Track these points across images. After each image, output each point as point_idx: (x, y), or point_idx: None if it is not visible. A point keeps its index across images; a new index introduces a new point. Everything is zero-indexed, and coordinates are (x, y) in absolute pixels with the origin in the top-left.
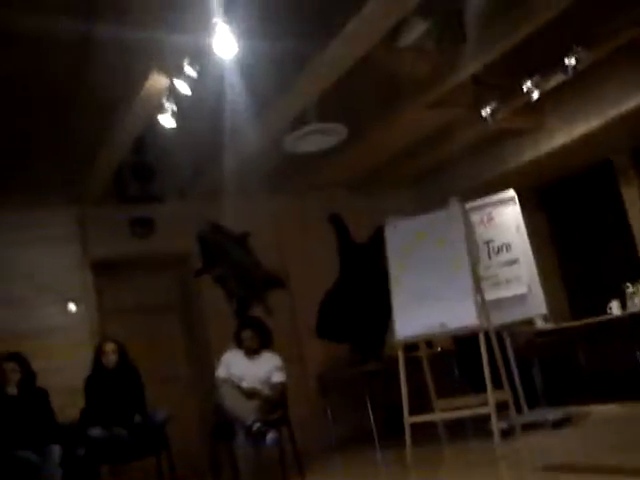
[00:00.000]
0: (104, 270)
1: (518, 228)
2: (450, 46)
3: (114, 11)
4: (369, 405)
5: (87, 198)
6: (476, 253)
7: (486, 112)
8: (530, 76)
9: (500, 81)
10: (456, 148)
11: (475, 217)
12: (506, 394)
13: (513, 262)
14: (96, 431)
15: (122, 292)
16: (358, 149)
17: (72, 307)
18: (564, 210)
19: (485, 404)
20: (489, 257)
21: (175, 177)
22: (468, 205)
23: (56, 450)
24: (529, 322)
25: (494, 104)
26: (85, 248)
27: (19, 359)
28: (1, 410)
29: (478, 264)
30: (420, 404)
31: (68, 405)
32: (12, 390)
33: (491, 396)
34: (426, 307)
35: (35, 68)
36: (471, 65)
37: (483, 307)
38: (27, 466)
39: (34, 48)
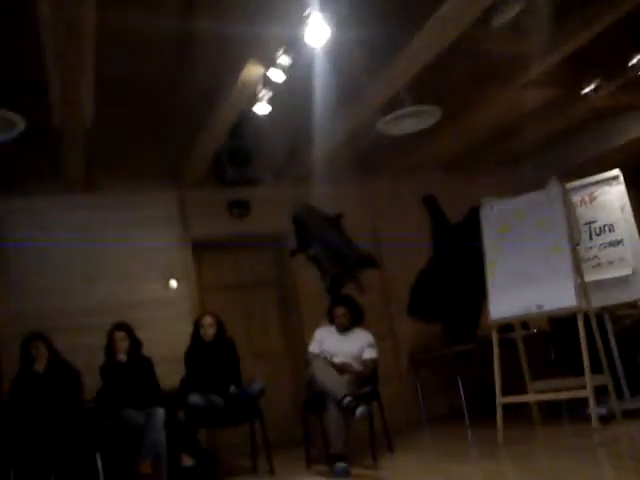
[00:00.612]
0: (204, 249)
1: (623, 208)
2: (548, 24)
3: (211, 8)
4: (460, 384)
5: (187, 182)
6: (577, 234)
7: (588, 89)
8: (637, 51)
9: (602, 57)
10: (554, 129)
11: (576, 197)
12: (606, 378)
13: (617, 243)
14: (195, 398)
15: (221, 270)
16: (453, 130)
17: (174, 283)
18: None
19: (583, 388)
20: (590, 238)
21: (270, 161)
22: (569, 185)
23: (160, 413)
24: (634, 306)
25: (597, 81)
26: (186, 229)
27: (127, 329)
28: (112, 375)
29: (578, 245)
30: (513, 386)
31: (170, 373)
32: (122, 357)
33: (589, 379)
34: (522, 288)
35: (139, 65)
36: (571, 42)
37: (582, 288)
38: (135, 425)
39: (136, 48)
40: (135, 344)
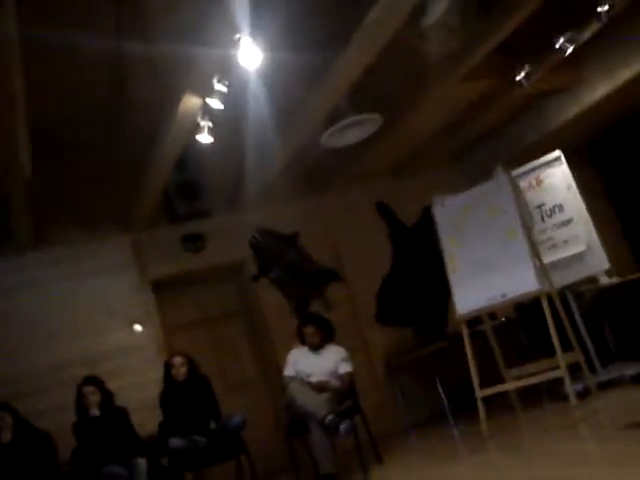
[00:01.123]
0: (164, 288)
1: (569, 187)
2: (474, 18)
3: (143, 32)
4: (439, 384)
5: (139, 222)
6: (529, 219)
7: (520, 76)
8: (562, 32)
9: (530, 43)
10: (495, 118)
11: (523, 183)
12: (577, 355)
13: (568, 222)
14: (176, 441)
15: (184, 307)
16: (396, 134)
17: (138, 328)
18: (616, 162)
19: (557, 368)
20: (542, 220)
21: (219, 190)
22: (515, 172)
23: (142, 463)
24: (593, 280)
25: (527, 67)
26: (143, 271)
27: (96, 382)
28: (87, 430)
29: (532, 229)
30: (491, 376)
31: (146, 420)
32: (94, 412)
33: (561, 358)
34: (484, 279)
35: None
36: (498, 33)
37: (543, 271)
38: (116, 479)
39: (70, 91)
40: (107, 396)
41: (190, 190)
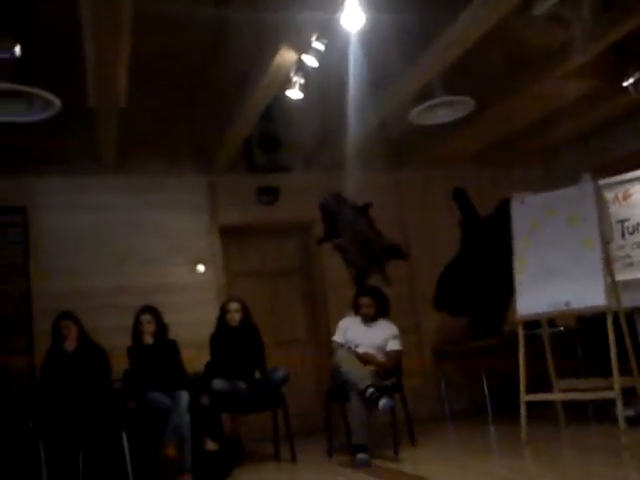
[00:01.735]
0: (231, 235)
1: None
2: (589, 13)
3: None
4: (484, 380)
5: (218, 167)
6: (609, 232)
7: (628, 82)
8: None
9: None
10: (591, 122)
11: (609, 194)
12: (635, 380)
13: None
14: (220, 383)
15: (247, 256)
16: (485, 121)
17: (201, 268)
18: None
19: (610, 388)
20: (623, 237)
21: (301, 148)
22: (602, 182)
23: (185, 396)
24: None
25: (638, 74)
26: (214, 214)
27: (154, 312)
28: (139, 357)
29: (610, 243)
30: (538, 383)
31: (194, 358)
32: (148, 340)
33: (617, 380)
34: (551, 285)
35: (173, 48)
36: (613, 32)
37: (613, 287)
38: (160, 407)
39: (173, 30)
40: (161, 327)
41: (272, 143)
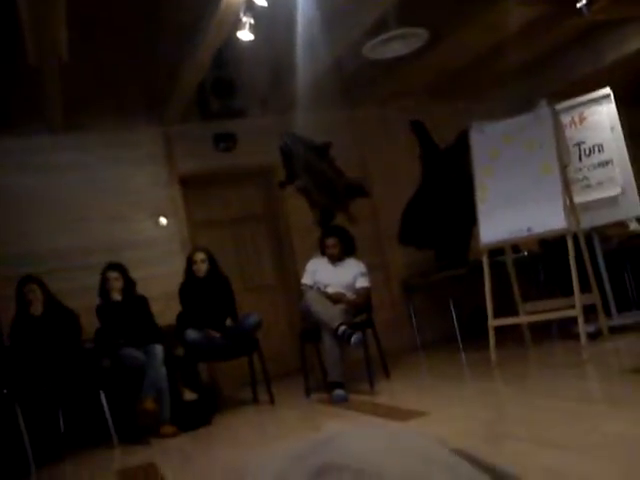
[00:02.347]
0: (191, 185)
1: (613, 128)
2: None
3: None
4: (453, 309)
5: (172, 117)
6: (566, 155)
7: (582, 3)
8: None
9: None
10: (544, 47)
11: (565, 118)
12: (594, 297)
13: (606, 163)
14: (192, 333)
15: (210, 205)
16: (439, 53)
17: (163, 221)
18: None
19: (572, 307)
20: (580, 159)
21: (255, 91)
22: (558, 106)
23: (159, 349)
24: (622, 225)
25: None
26: (172, 165)
27: (120, 268)
28: (108, 314)
29: (567, 167)
30: (505, 308)
31: (165, 310)
32: (116, 297)
33: (578, 299)
34: (512, 211)
35: None
36: None
37: (572, 210)
38: (135, 363)
39: None
40: (129, 283)
41: (225, 88)
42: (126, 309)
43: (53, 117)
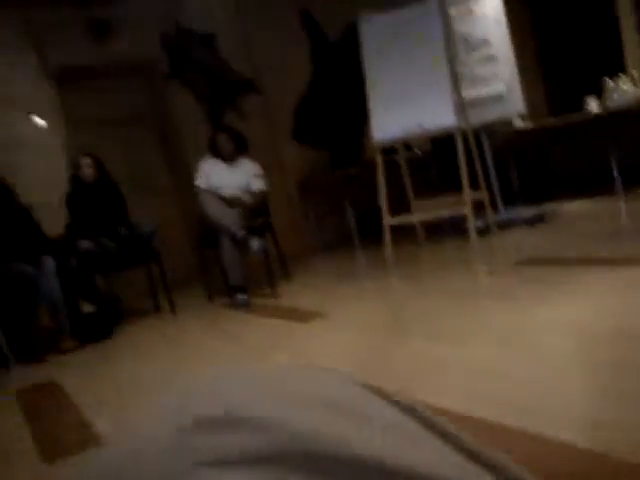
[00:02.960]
0: (67, 80)
1: (498, 22)
2: None
3: None
4: (349, 209)
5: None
6: (454, 50)
7: None
8: None
9: None
10: None
11: (453, 10)
12: (483, 194)
13: (491, 59)
14: (85, 244)
15: (89, 104)
16: None
17: (39, 121)
18: (547, 2)
19: (462, 204)
20: (467, 53)
21: None
22: None
23: (50, 261)
24: (507, 122)
25: None
26: (41, 57)
27: None
28: None
29: (455, 61)
30: (399, 207)
31: (52, 220)
32: None
33: (467, 196)
34: (403, 109)
35: None
36: None
37: (461, 107)
38: (25, 277)
39: None
40: (7, 193)
41: None
42: (8, 221)
43: None
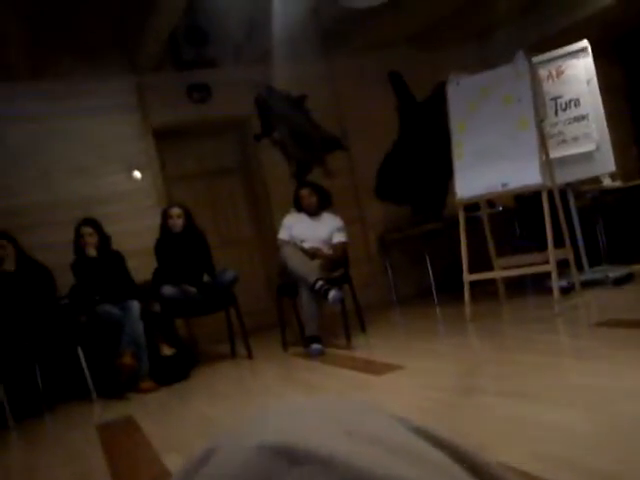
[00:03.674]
0: (165, 137)
1: (589, 82)
2: None
3: None
4: (429, 264)
5: (143, 65)
6: (543, 110)
7: None
8: None
9: None
10: None
11: (543, 71)
12: (567, 252)
13: (582, 118)
14: (168, 289)
15: (184, 158)
16: (419, 2)
17: (137, 174)
18: None
19: (546, 262)
20: (556, 114)
21: (229, 40)
22: (536, 59)
23: (135, 305)
24: (596, 181)
25: None
26: (145, 116)
27: (94, 223)
28: (84, 270)
29: (544, 121)
30: (480, 264)
31: (141, 266)
32: (92, 252)
33: (552, 254)
34: (488, 166)
35: None
36: None
37: (547, 166)
38: (112, 319)
39: None
40: (104, 239)
41: (198, 36)
42: (102, 265)
43: (15, 62)
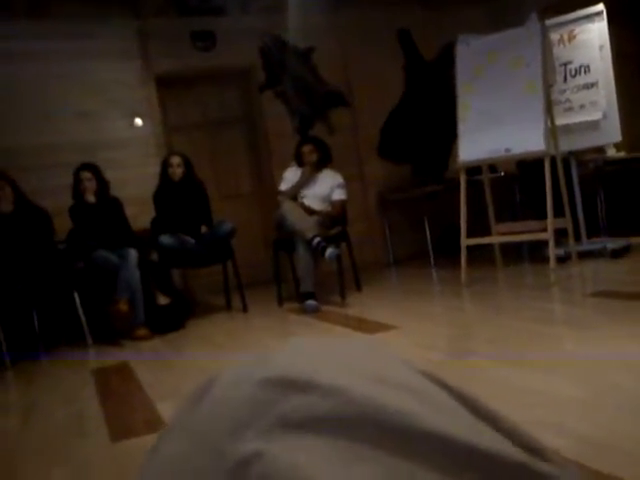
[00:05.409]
0: (168, 85)
1: (602, 48)
2: None
3: None
4: (427, 225)
5: (147, 10)
6: (552, 75)
7: None
8: None
9: None
10: None
11: (554, 35)
12: (566, 221)
13: (591, 86)
14: (167, 239)
15: (186, 107)
16: None
17: (139, 122)
18: None
19: (544, 230)
20: (565, 80)
21: None
22: (548, 22)
23: (133, 253)
24: (600, 150)
25: None
26: (147, 62)
27: (94, 169)
28: (82, 216)
29: (552, 86)
30: (478, 229)
31: (139, 214)
32: (90, 198)
33: (550, 222)
34: (492, 131)
35: None
36: None
37: (552, 132)
38: (108, 265)
39: None
40: (103, 185)
41: None
42: (100, 211)
43: (15, 1)
